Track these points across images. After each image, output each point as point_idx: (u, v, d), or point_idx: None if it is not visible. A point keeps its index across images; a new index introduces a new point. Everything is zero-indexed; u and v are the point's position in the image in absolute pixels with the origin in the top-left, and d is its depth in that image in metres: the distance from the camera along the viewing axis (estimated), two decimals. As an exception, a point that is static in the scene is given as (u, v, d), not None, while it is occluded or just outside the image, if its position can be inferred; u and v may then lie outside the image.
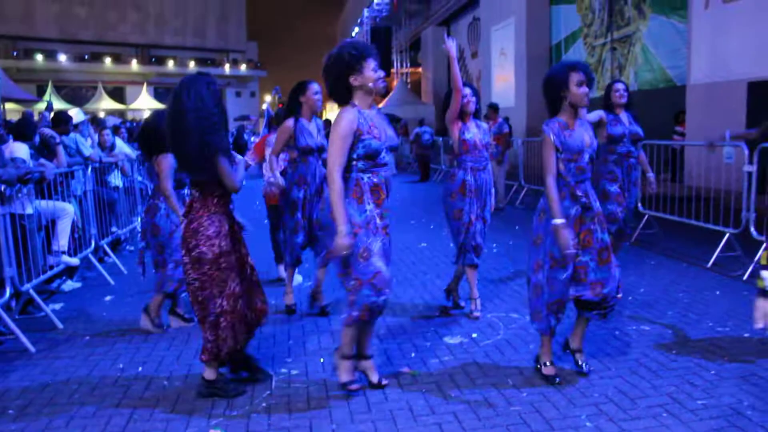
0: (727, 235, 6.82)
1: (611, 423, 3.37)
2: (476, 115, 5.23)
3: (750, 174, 6.62)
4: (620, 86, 6.12)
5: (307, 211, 5.30)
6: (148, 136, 4.97)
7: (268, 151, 5.89)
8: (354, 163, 3.56)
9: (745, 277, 6.16)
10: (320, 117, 5.67)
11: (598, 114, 6.04)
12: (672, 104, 13.84)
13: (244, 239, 3.96)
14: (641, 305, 5.46)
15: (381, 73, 3.63)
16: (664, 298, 5.61)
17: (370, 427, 3.40)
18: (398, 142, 3.83)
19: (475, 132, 5.15)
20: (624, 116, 6.10)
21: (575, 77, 3.76)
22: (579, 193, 3.80)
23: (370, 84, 3.59)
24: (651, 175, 6.37)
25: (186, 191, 5.22)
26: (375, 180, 3.59)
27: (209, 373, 3.82)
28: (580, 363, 4.04)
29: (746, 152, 6.67)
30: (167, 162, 4.84)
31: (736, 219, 6.80)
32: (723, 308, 5.29)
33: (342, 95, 3.62)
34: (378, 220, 3.57)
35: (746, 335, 4.62)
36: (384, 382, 3.90)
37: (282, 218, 5.45)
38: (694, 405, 3.55)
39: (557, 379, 3.90)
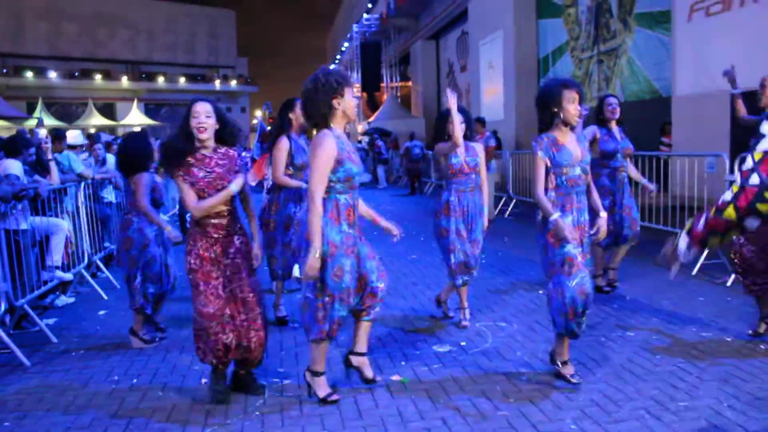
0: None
1: (596, 425, 3.47)
2: (467, 137, 5.28)
3: (732, 183, 6.75)
4: (613, 100, 6.14)
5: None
6: (126, 156, 5.17)
7: (268, 170, 5.92)
8: (332, 185, 3.70)
9: (728, 284, 6.29)
10: (308, 134, 5.72)
11: (592, 130, 6.10)
12: (658, 116, 14.03)
13: (244, 268, 3.91)
14: (627, 312, 5.57)
15: (357, 101, 3.81)
16: (649, 306, 5.73)
17: (361, 432, 3.49)
18: (364, 168, 4.03)
19: (463, 155, 5.21)
20: (616, 131, 6.15)
21: (568, 95, 3.91)
22: (568, 206, 3.96)
23: (348, 110, 3.76)
24: (645, 181, 6.43)
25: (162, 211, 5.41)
26: (350, 201, 3.77)
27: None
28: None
29: (727, 162, 6.82)
30: (144, 181, 5.07)
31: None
32: (706, 314, 5.41)
33: (322, 117, 3.74)
34: (350, 240, 3.74)
35: (728, 339, 4.74)
36: (378, 378, 4.07)
37: (274, 234, 5.50)
38: (676, 407, 3.66)
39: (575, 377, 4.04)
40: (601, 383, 4.04)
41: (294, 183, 5.28)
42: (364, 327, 3.99)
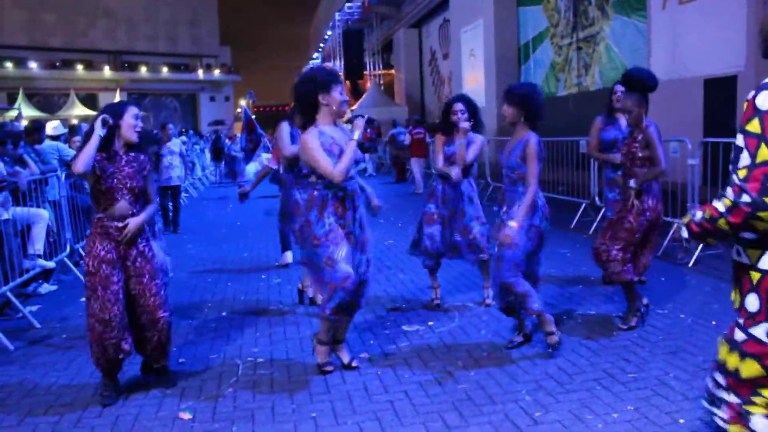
0: (675, 225, 7.18)
1: (548, 396, 3.70)
2: (476, 129, 5.30)
3: (693, 167, 7.01)
4: (619, 88, 5.80)
5: None
6: None
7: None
8: (321, 180, 3.93)
9: (690, 264, 6.53)
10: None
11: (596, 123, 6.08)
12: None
13: (145, 273, 3.90)
14: (590, 292, 5.81)
15: (345, 98, 4.02)
16: (614, 287, 5.95)
17: (327, 406, 3.70)
18: (363, 156, 4.16)
19: (459, 150, 5.22)
20: (623, 120, 5.82)
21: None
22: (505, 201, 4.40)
23: (335, 106, 3.96)
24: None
25: None
26: (340, 194, 3.96)
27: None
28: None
29: (689, 146, 7.05)
30: None
31: (683, 210, 7.16)
32: (665, 293, 5.64)
33: (308, 112, 3.98)
34: (339, 230, 3.93)
35: (682, 316, 4.98)
36: (354, 363, 4.25)
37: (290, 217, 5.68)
38: (625, 378, 3.89)
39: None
40: (559, 358, 4.27)
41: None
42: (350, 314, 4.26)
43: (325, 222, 3.92)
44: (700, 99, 12.27)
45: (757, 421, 2.10)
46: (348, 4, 35.67)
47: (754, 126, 1.94)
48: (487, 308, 5.44)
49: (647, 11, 14.03)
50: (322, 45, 45.04)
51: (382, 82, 37.27)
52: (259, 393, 3.92)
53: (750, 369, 2.11)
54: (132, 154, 3.94)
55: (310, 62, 48.63)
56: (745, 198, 1.93)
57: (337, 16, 37.12)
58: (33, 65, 48.03)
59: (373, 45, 37.66)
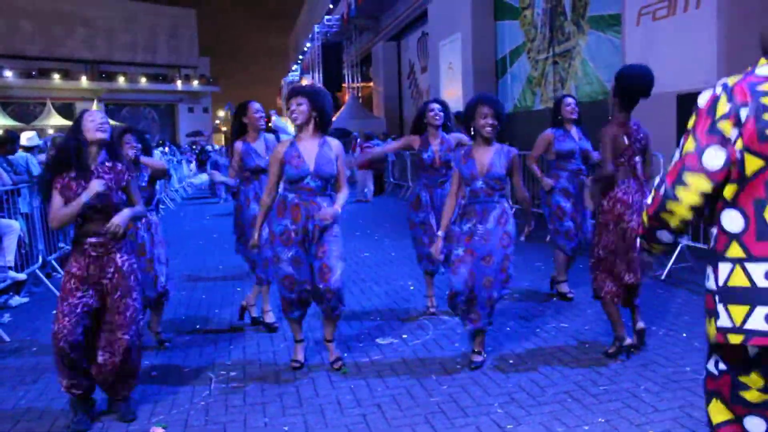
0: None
1: (520, 408, 3.72)
2: (445, 128, 5.50)
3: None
4: (571, 101, 5.95)
5: None
6: None
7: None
8: (284, 184, 4.28)
9: (663, 277, 6.61)
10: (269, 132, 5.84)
11: (546, 135, 5.99)
12: (609, 116, 14.41)
13: (118, 290, 3.67)
14: (564, 305, 5.85)
15: (293, 108, 4.21)
16: (585, 299, 5.99)
17: (300, 419, 3.68)
18: (331, 172, 4.21)
19: (437, 150, 5.41)
20: (574, 132, 5.94)
21: (482, 110, 4.32)
22: (470, 213, 4.36)
23: (291, 118, 4.24)
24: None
25: None
26: (297, 201, 4.19)
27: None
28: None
29: (661, 161, 7.16)
30: None
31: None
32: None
33: (296, 128, 4.31)
34: (293, 235, 4.18)
35: (653, 328, 5.03)
36: (336, 365, 4.43)
37: (243, 234, 5.51)
38: (596, 390, 3.92)
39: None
40: (531, 371, 4.29)
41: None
42: (324, 317, 4.48)
43: (282, 222, 4.20)
44: (673, 114, 12.45)
45: None
46: (327, 17, 35.74)
47: (691, 122, 1.95)
48: (460, 321, 5.45)
49: (622, 27, 14.22)
50: (301, 57, 45.05)
51: (360, 94, 37.35)
52: (231, 406, 3.90)
53: (716, 410, 1.99)
54: (108, 164, 3.72)
55: (289, 74, 48.62)
56: (662, 189, 1.90)
57: (316, 28, 37.17)
58: (8, 74, 47.48)
59: (352, 57, 37.77)
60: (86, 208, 3.58)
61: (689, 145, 1.87)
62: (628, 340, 4.49)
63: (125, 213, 3.68)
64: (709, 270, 1.93)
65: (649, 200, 1.98)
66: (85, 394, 3.74)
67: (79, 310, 3.58)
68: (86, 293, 3.61)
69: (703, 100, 1.91)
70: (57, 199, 3.60)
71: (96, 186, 3.57)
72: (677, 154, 1.90)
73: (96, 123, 3.66)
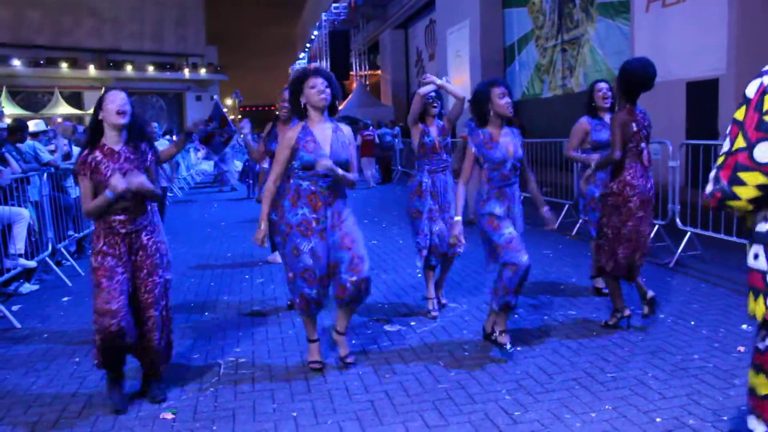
0: (657, 226, 7.25)
1: (528, 395, 3.72)
2: (440, 116, 5.44)
3: (674, 169, 7.08)
4: (603, 86, 5.60)
5: None
6: None
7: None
8: (295, 171, 4.05)
9: (671, 265, 6.60)
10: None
11: (581, 125, 5.66)
12: (615, 105, 14.35)
13: (144, 268, 3.75)
14: (572, 294, 5.85)
15: (320, 88, 4.01)
16: (593, 286, 5.99)
17: (308, 405, 3.70)
18: (347, 157, 4.13)
19: (435, 135, 5.34)
20: (608, 119, 5.47)
21: (497, 91, 4.22)
22: (503, 196, 4.30)
23: (311, 101, 4.03)
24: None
25: None
26: (313, 188, 4.02)
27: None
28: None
29: (670, 148, 7.12)
30: None
31: (664, 211, 7.23)
32: (646, 293, 5.69)
33: (299, 113, 4.14)
34: (314, 224, 4.00)
35: (662, 316, 5.03)
36: (349, 360, 4.29)
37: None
38: (604, 378, 3.93)
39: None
40: (539, 357, 4.30)
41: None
42: (342, 310, 4.24)
43: (298, 212, 4.01)
44: (682, 101, 12.38)
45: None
46: (334, 5, 35.67)
47: (740, 113, 1.93)
48: (468, 309, 5.47)
49: (631, 14, 14.15)
50: (308, 45, 44.98)
51: (368, 82, 37.30)
52: (240, 392, 3.92)
53: (760, 383, 1.98)
54: (131, 145, 3.75)
55: (297, 63, 48.55)
56: (718, 185, 1.92)
57: (323, 16, 37.11)
58: (17, 63, 47.61)
59: (360, 45, 37.71)
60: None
61: (740, 141, 1.89)
62: (627, 311, 4.78)
63: (144, 179, 3.68)
64: (759, 249, 1.94)
65: (708, 190, 2.00)
66: (120, 372, 3.84)
67: (125, 287, 3.65)
68: (126, 270, 3.69)
69: (751, 91, 1.91)
70: (86, 187, 3.66)
71: (119, 186, 3.58)
72: (727, 143, 1.92)
73: (116, 105, 3.69)
